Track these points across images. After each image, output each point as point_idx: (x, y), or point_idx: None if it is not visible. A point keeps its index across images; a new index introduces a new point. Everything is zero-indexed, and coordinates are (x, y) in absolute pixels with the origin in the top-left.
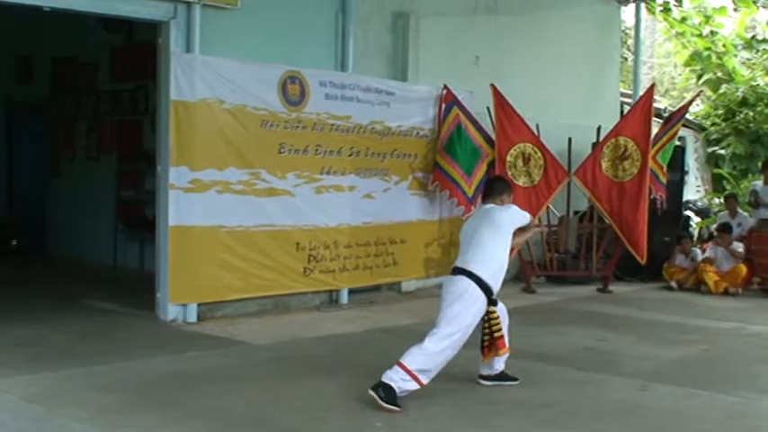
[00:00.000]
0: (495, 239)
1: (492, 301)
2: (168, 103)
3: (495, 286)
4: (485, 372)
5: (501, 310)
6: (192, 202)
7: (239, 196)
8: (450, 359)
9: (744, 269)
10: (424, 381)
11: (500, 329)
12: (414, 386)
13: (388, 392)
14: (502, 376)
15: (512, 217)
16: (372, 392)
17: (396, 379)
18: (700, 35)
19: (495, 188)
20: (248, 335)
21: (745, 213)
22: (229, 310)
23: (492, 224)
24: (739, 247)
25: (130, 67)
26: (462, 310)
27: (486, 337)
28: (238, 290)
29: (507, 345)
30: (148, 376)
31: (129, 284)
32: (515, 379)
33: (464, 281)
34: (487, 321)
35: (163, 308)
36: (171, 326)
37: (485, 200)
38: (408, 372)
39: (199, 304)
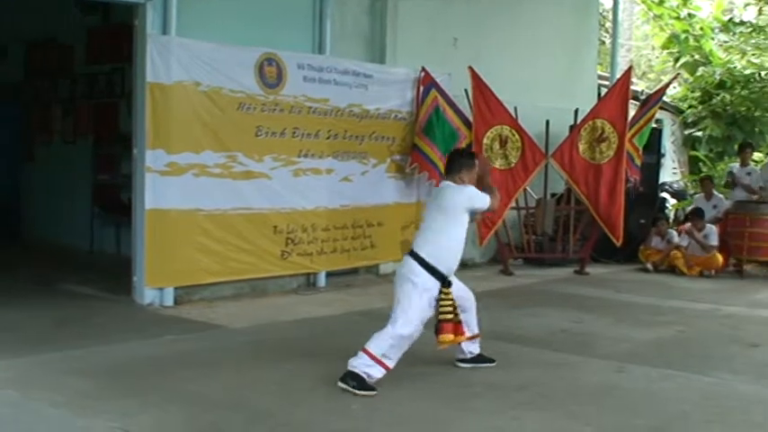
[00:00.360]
0: (443, 222)
1: (446, 283)
2: (144, 85)
3: (444, 269)
4: (459, 355)
5: (463, 295)
6: (169, 186)
7: (216, 179)
8: (414, 340)
9: (719, 259)
10: (390, 365)
11: (448, 314)
12: (379, 371)
13: (356, 379)
14: (478, 359)
15: (464, 200)
16: (342, 384)
17: (358, 365)
18: (677, 18)
19: (454, 164)
20: (225, 318)
21: (721, 195)
22: (206, 293)
23: (440, 206)
24: (713, 238)
25: (107, 49)
26: (411, 291)
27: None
28: (215, 273)
29: (466, 331)
30: (125, 360)
31: (105, 268)
32: (492, 360)
33: (409, 262)
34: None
35: (139, 292)
36: (147, 310)
37: (445, 175)
38: (372, 357)
39: (175, 288)
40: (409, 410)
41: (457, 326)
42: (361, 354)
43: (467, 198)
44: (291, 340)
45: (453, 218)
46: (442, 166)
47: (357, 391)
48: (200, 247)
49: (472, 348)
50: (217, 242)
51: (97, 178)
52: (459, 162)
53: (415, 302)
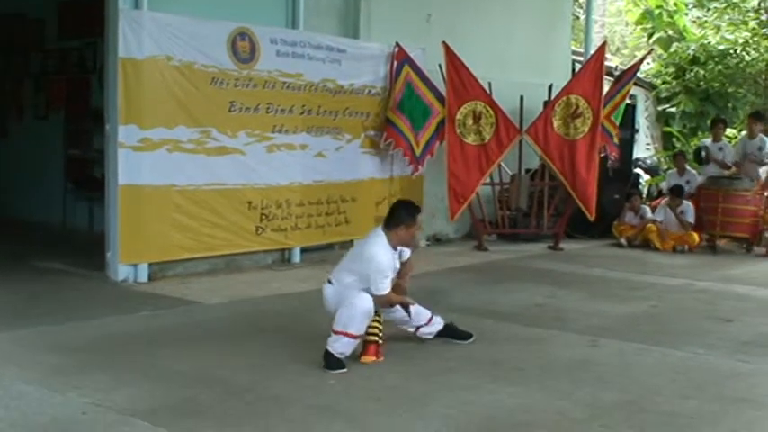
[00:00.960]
0: (355, 279)
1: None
2: (116, 60)
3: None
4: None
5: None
6: (142, 161)
7: (190, 155)
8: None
9: (695, 237)
10: (354, 332)
11: (373, 335)
12: (347, 342)
13: (326, 359)
14: (447, 332)
15: (370, 273)
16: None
17: (329, 343)
18: None
19: (395, 217)
20: (200, 294)
21: (694, 171)
22: (180, 269)
23: (360, 263)
24: (690, 215)
25: (78, 23)
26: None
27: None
28: (189, 249)
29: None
30: (99, 337)
31: (78, 245)
32: (470, 336)
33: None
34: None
35: (113, 268)
36: (121, 286)
37: (384, 223)
38: (336, 332)
39: (150, 264)
40: (385, 386)
41: (379, 347)
42: (330, 334)
43: (373, 275)
44: (266, 316)
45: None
46: (413, 140)
47: (329, 371)
48: (173, 223)
49: (432, 329)
50: (191, 218)
51: (69, 154)
52: (400, 217)
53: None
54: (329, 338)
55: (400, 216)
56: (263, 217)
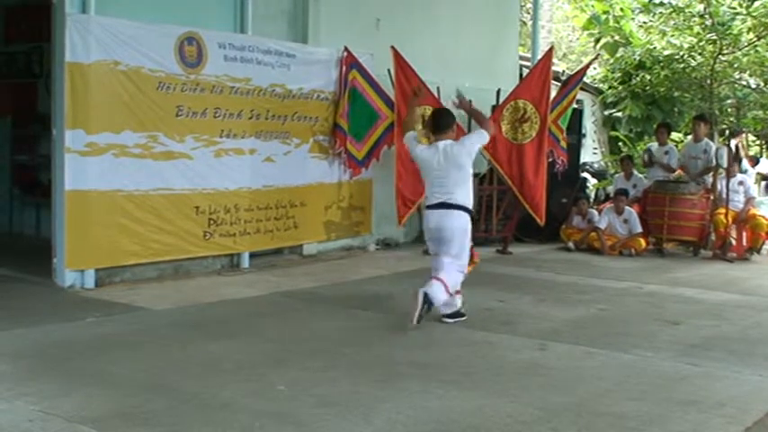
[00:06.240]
0: (463, 175)
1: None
2: (63, 65)
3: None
4: (446, 311)
5: None
6: (89, 166)
7: (136, 160)
8: None
9: (642, 242)
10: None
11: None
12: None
13: (453, 316)
14: (459, 314)
15: (471, 150)
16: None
17: (448, 305)
18: None
19: (442, 124)
20: (148, 300)
21: (641, 175)
22: (128, 275)
23: (457, 164)
24: (636, 225)
25: (25, 28)
26: (466, 236)
27: None
28: (137, 255)
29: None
30: (46, 343)
31: (25, 251)
32: (463, 315)
33: (461, 214)
34: None
35: (60, 274)
36: (68, 292)
37: (436, 135)
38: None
39: (97, 270)
40: (334, 391)
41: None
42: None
43: (472, 147)
44: (215, 322)
45: (467, 170)
46: (351, 147)
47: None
48: (121, 229)
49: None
50: (138, 223)
51: (15, 159)
52: (446, 121)
53: (467, 243)
54: (447, 301)
55: (446, 123)
56: (212, 222)
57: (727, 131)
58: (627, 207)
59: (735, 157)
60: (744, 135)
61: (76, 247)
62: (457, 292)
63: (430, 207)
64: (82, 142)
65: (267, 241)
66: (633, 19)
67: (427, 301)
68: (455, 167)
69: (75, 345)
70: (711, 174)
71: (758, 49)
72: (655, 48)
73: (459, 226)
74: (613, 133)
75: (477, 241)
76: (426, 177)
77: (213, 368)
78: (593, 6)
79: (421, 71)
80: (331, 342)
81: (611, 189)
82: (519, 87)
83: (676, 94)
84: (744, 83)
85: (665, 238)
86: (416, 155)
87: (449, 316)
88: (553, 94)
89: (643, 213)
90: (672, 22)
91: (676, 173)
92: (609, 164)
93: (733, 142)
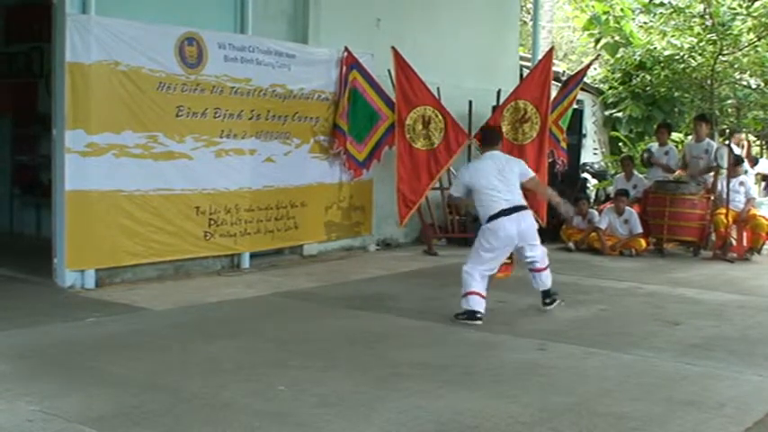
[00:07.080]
0: (516, 182)
1: None
2: (63, 65)
3: None
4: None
5: None
6: (89, 167)
7: (137, 160)
8: None
9: (642, 243)
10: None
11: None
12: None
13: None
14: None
15: (523, 168)
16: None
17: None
18: None
19: (496, 138)
20: (148, 300)
21: (641, 176)
22: (129, 275)
23: (521, 172)
24: (636, 226)
25: (25, 28)
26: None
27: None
28: (137, 255)
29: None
30: (46, 343)
31: (25, 251)
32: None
33: (529, 214)
34: None
35: (60, 274)
36: (69, 292)
37: (489, 147)
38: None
39: (97, 270)
40: (334, 391)
41: (508, 266)
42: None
43: (525, 169)
44: (215, 322)
45: (519, 179)
46: (351, 148)
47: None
48: (121, 229)
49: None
50: (138, 223)
51: (16, 159)
52: (499, 135)
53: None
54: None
55: (498, 137)
56: (212, 222)
57: (727, 131)
58: (627, 207)
59: (736, 159)
60: (742, 135)
61: (77, 248)
62: (471, 293)
63: (504, 213)
64: (82, 142)
65: (267, 241)
66: (633, 19)
67: (548, 295)
68: (514, 175)
69: (75, 345)
70: (712, 174)
71: (758, 49)
72: (655, 48)
73: (533, 223)
74: (614, 134)
75: None
76: (482, 189)
77: (213, 368)
78: (593, 7)
79: (421, 71)
80: (331, 342)
81: (611, 189)
82: (519, 88)
83: (677, 94)
84: (744, 83)
85: (666, 238)
86: (471, 173)
87: (462, 315)
88: (553, 94)
89: (643, 214)
90: (672, 23)
91: (676, 173)
92: (609, 164)
93: (732, 144)
